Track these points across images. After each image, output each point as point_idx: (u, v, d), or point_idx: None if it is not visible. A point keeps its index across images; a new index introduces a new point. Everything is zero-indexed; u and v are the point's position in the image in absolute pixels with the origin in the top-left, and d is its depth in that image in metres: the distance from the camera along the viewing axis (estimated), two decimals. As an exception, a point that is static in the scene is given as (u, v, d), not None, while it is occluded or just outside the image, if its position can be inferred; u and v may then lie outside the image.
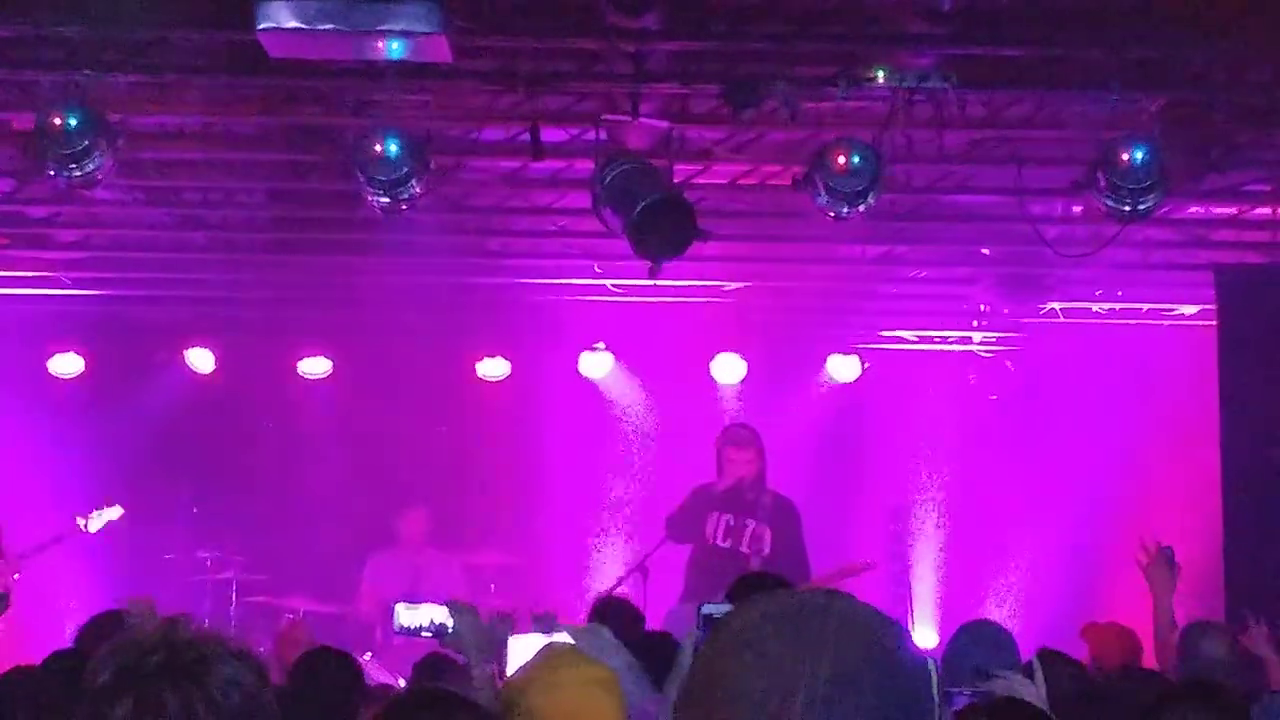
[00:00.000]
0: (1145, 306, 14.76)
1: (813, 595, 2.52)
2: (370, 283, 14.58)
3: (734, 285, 14.71)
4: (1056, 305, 14.54)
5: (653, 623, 10.92)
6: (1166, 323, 14.93)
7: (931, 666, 2.55)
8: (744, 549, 13.04)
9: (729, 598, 7.21)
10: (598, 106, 10.59)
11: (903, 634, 2.53)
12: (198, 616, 12.96)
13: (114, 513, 14.27)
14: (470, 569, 14.80)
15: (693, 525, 13.08)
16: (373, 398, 15.50)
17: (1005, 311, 14.62)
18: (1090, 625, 10.86)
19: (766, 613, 2.50)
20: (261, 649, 13.38)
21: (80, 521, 14.04)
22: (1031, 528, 15.46)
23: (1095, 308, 14.73)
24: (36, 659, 7.23)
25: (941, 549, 15.70)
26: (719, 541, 13.09)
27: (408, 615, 6.92)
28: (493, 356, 16.02)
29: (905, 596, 15.28)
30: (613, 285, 14.38)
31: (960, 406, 15.78)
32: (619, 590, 11.90)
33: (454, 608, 6.81)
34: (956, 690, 5.34)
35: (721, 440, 13.41)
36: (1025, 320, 14.95)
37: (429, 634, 6.89)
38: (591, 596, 11.69)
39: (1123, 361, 15.01)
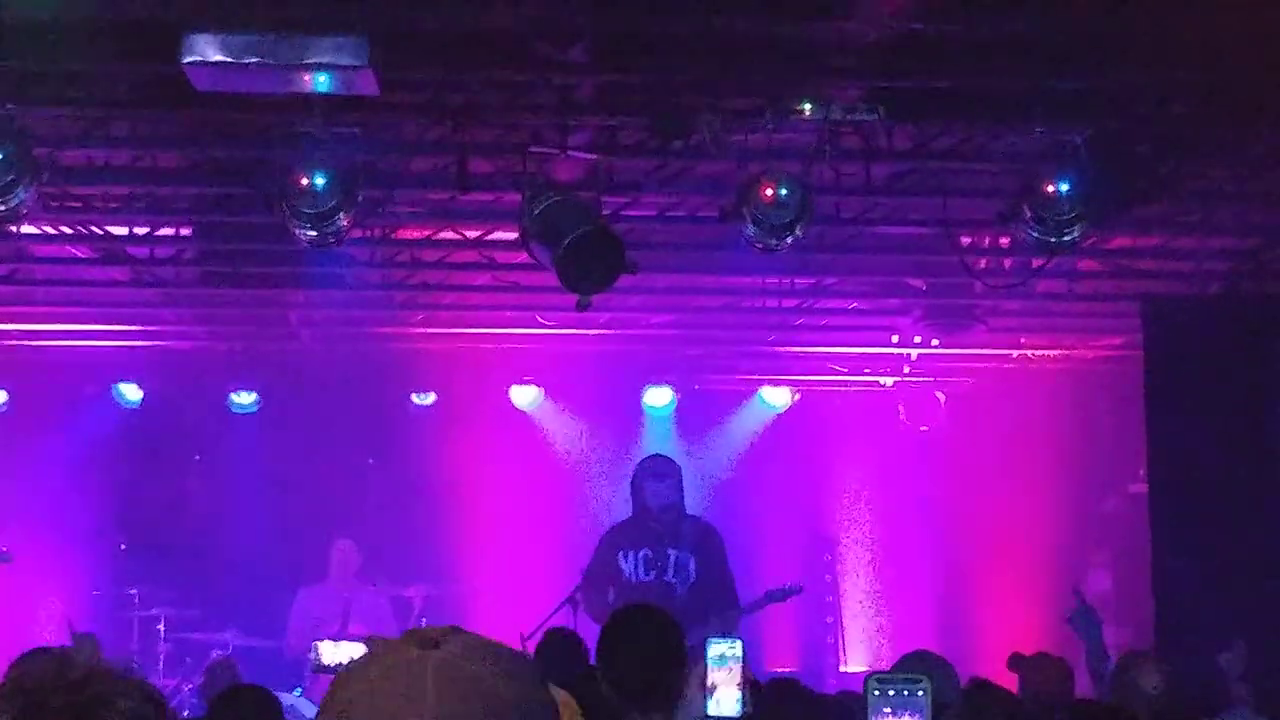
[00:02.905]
0: (1071, 339, 14.84)
1: (408, 651, 2.72)
2: (299, 316, 14.54)
3: (663, 317, 14.72)
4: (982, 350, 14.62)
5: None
6: (1091, 353, 15.02)
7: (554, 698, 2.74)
8: (669, 579, 13.02)
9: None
10: (526, 138, 10.57)
11: (517, 667, 2.70)
12: (125, 653, 12.88)
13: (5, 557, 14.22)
14: (399, 602, 14.75)
15: (607, 574, 13.07)
16: (302, 431, 15.45)
17: (935, 343, 14.67)
18: (1017, 655, 10.86)
19: (369, 678, 2.70)
20: (190, 686, 13.34)
21: None
22: (959, 558, 15.52)
23: (1023, 340, 14.81)
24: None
25: (870, 578, 15.72)
26: (641, 577, 13.07)
27: (329, 653, 6.84)
28: (423, 390, 15.99)
29: (835, 624, 15.29)
30: (541, 318, 14.37)
31: (890, 438, 15.83)
32: (554, 622, 11.85)
33: (373, 644, 6.75)
34: None
35: (639, 471, 13.42)
36: (954, 351, 14.99)
37: None
38: (522, 628, 11.63)
39: (1050, 393, 15.08)
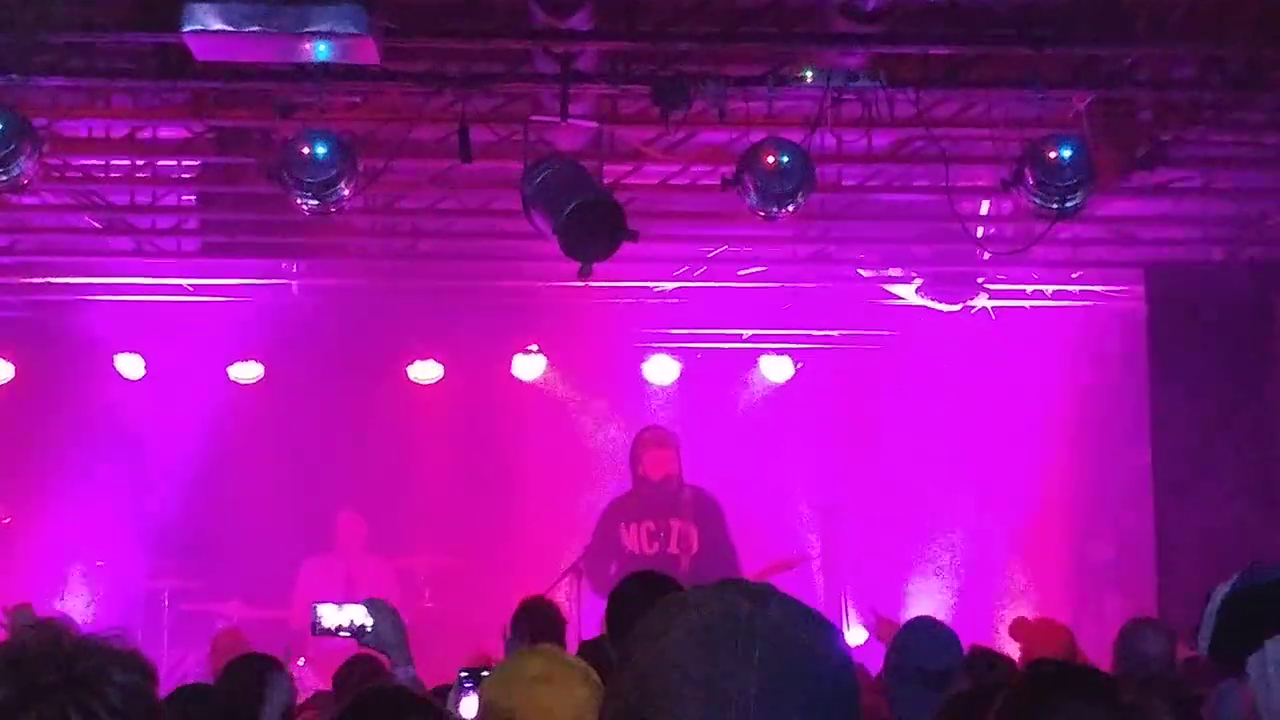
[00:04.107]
0: (1077, 289, 14.78)
1: (737, 608, 2.49)
2: (302, 286, 14.54)
3: (666, 285, 14.73)
4: (987, 303, 14.58)
5: (590, 625, 10.96)
6: (1092, 303, 14.92)
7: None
8: (673, 550, 13.06)
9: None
10: (527, 108, 10.58)
11: (833, 637, 2.52)
12: (130, 626, 12.90)
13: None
14: (404, 572, 14.80)
15: (609, 548, 13.10)
16: (306, 401, 15.45)
17: (938, 305, 14.66)
18: (1020, 621, 10.91)
19: (692, 630, 2.47)
20: (195, 656, 13.39)
21: None
22: (964, 524, 15.52)
23: (1029, 289, 14.74)
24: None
25: (874, 546, 15.72)
26: (645, 549, 13.11)
27: (328, 616, 6.84)
28: (425, 359, 15.99)
29: (839, 593, 15.32)
30: (544, 286, 14.38)
31: (893, 402, 15.79)
32: (552, 592, 11.90)
33: (372, 606, 6.76)
34: None
35: (638, 442, 13.46)
36: (959, 314, 14.97)
37: (347, 634, 6.81)
38: (525, 597, 11.66)
39: (1057, 350, 15.02)
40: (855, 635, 15.59)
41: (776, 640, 2.45)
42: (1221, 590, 4.46)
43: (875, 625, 11.22)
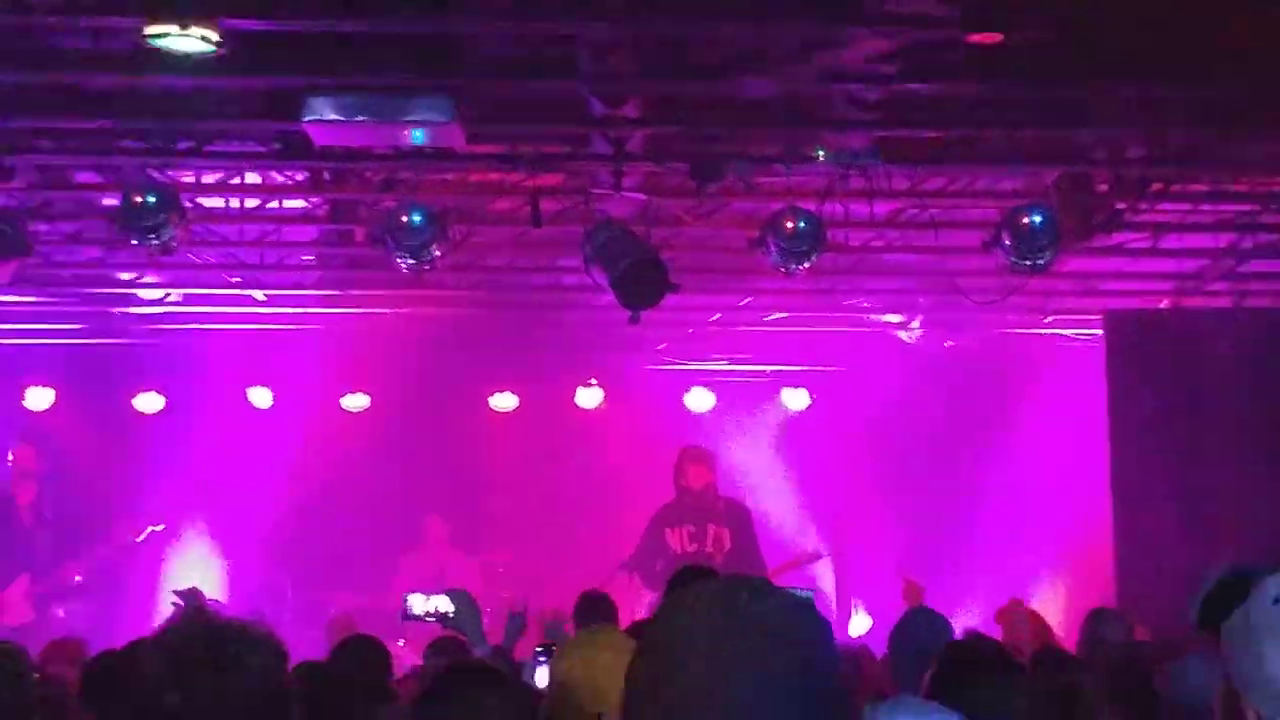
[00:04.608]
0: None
1: (738, 598, 2.51)
2: (402, 332, 14.55)
3: (702, 328, 14.73)
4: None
5: (640, 612, 10.92)
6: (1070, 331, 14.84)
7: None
8: (709, 549, 13.05)
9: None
10: (587, 182, 10.59)
11: (820, 627, 2.54)
12: (254, 611, 12.92)
13: (155, 526, 14.35)
14: (486, 566, 14.82)
15: (656, 547, 13.12)
16: (403, 426, 15.47)
17: (948, 344, 14.58)
18: (1002, 610, 10.81)
19: (700, 616, 2.50)
20: (312, 638, 13.39)
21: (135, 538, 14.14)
22: (954, 528, 15.39)
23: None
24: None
25: (881, 547, 15.62)
26: (685, 549, 13.08)
27: (417, 603, 6.81)
28: (503, 391, 16.02)
29: (847, 585, 15.26)
30: (602, 331, 14.39)
31: (894, 423, 15.64)
32: (607, 586, 11.86)
33: (453, 595, 6.76)
34: None
35: (681, 458, 13.49)
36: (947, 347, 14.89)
37: (431, 619, 6.79)
38: (587, 588, 11.64)
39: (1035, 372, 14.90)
40: (860, 622, 15.55)
41: (771, 626, 2.48)
42: (1216, 571, 4.43)
43: (904, 588, 11.13)
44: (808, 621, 2.52)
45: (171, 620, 8.13)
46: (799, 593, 7.34)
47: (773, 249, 10.24)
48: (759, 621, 2.48)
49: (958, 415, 15.19)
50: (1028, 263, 10.21)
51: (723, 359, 15.94)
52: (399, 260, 10.40)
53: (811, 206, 10.30)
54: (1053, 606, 13.47)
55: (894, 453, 15.62)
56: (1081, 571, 14.29)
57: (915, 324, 14.36)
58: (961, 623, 8.60)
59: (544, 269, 13.14)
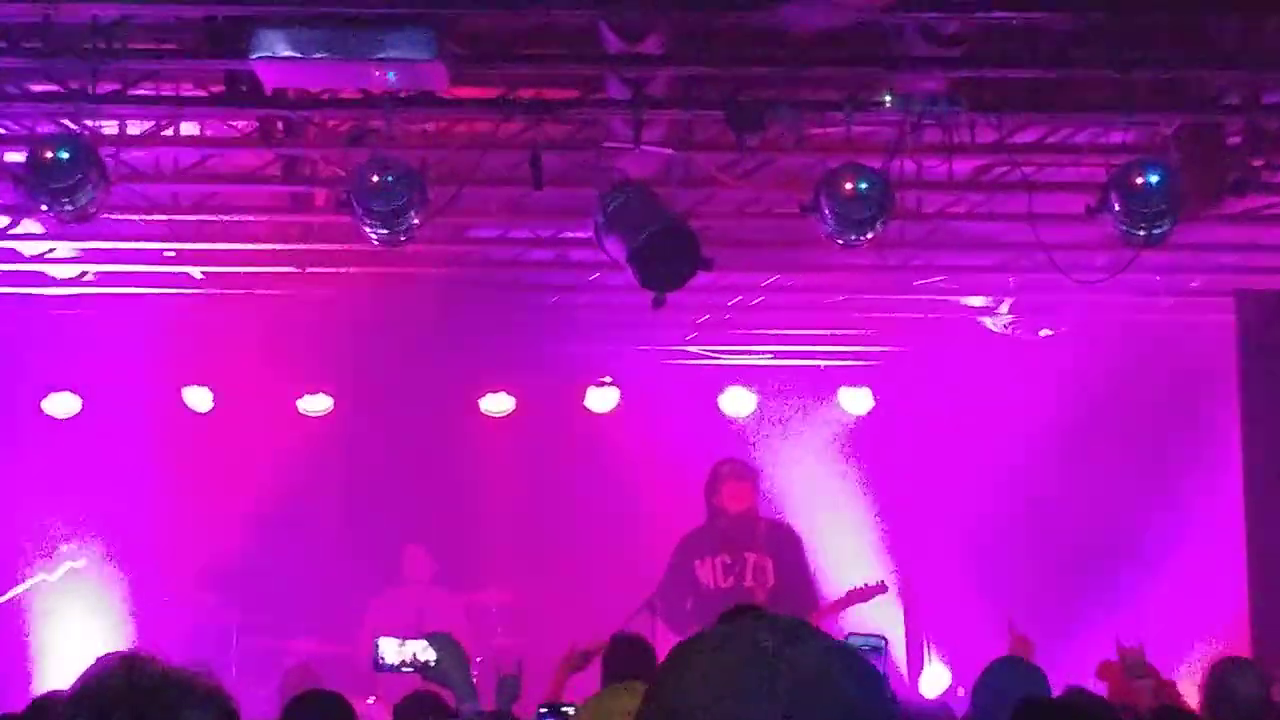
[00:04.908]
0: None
1: (761, 645, 2.42)
2: (370, 318, 14.55)
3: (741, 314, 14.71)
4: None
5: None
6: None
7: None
8: (748, 583, 13.02)
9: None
10: (599, 134, 10.58)
11: (871, 681, 2.44)
12: (197, 661, 12.92)
13: (78, 562, 14.32)
14: (474, 608, 14.81)
15: (684, 583, 13.06)
16: (374, 434, 15.49)
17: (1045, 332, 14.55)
18: (1107, 664, 10.76)
19: (714, 668, 2.42)
20: (264, 693, 13.40)
21: (42, 574, 14.12)
22: (1032, 552, 15.35)
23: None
24: (16, 705, 7.14)
25: (958, 581, 15.59)
26: (719, 583, 13.06)
27: (390, 651, 6.77)
28: (496, 391, 16.02)
29: (918, 627, 15.22)
30: (618, 317, 14.39)
31: (978, 431, 15.63)
32: (633, 625, 11.88)
33: (435, 640, 6.70)
34: None
35: (715, 475, 13.42)
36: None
37: (408, 669, 6.74)
38: (599, 634, 11.64)
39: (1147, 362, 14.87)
40: (936, 675, 15.48)
41: (803, 680, 2.39)
42: None
43: (1010, 641, 11.10)
44: (852, 673, 2.42)
45: (92, 671, 8.13)
46: (858, 640, 7.30)
47: (828, 216, 10.22)
48: (788, 672, 2.38)
49: (1055, 420, 15.14)
50: (1142, 232, 10.17)
51: (766, 352, 15.92)
52: (368, 230, 10.40)
53: (876, 164, 10.27)
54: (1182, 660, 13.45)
55: (977, 466, 15.58)
56: (1212, 609, 14.27)
57: (1004, 309, 14.30)
58: (1069, 679, 8.54)
59: (546, 242, 13.14)
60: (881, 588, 13.89)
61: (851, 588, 13.66)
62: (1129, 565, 14.83)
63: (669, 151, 10.72)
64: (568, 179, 11.09)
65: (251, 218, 12.65)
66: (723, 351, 15.81)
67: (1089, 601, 14.70)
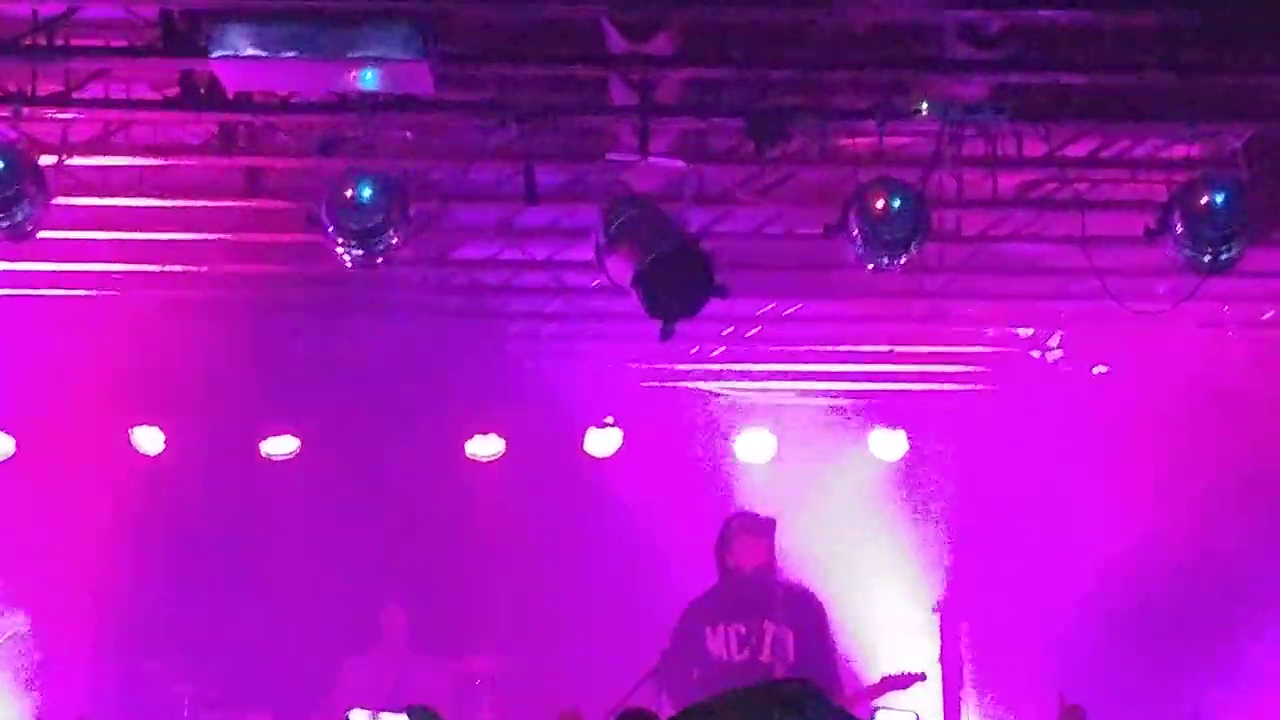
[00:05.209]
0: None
1: (770, 713, 2.49)
2: (343, 350, 14.60)
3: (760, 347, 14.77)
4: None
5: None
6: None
7: None
8: (765, 658, 12.97)
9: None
10: (602, 144, 10.66)
11: None
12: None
13: (16, 625, 14.35)
14: (460, 676, 14.82)
15: (691, 651, 13.04)
16: (347, 481, 15.52)
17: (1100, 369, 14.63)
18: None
19: None
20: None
21: None
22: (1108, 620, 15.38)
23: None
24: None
25: (1002, 654, 15.61)
26: (733, 656, 13.04)
27: None
28: (485, 433, 16.05)
29: (956, 709, 15.23)
30: (622, 350, 14.46)
31: (1025, 480, 15.68)
32: (636, 700, 11.91)
33: (415, 714, 6.77)
34: None
35: (727, 529, 13.39)
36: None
37: None
38: (601, 708, 11.71)
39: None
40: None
41: None
42: None
43: (1060, 713, 11.16)
44: None
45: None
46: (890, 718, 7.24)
47: (857, 237, 10.29)
48: None
49: (1110, 464, 15.20)
50: (1207, 257, 10.24)
51: (787, 390, 15.98)
52: (341, 251, 10.46)
53: (911, 179, 10.35)
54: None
55: (1029, 520, 15.63)
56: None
57: (1054, 342, 14.39)
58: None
59: (541, 264, 13.19)
60: (921, 676, 13.87)
61: (886, 675, 13.66)
62: (1206, 622, 14.90)
63: (680, 164, 10.77)
64: (566, 194, 11.17)
65: (210, 235, 12.69)
66: (738, 390, 15.85)
67: (1162, 662, 14.78)
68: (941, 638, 15.59)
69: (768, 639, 13.09)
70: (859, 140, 10.60)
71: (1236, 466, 15.05)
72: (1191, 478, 15.08)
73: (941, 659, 15.41)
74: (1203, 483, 15.07)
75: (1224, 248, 10.22)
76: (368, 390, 15.00)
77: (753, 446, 16.25)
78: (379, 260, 10.61)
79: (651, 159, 10.41)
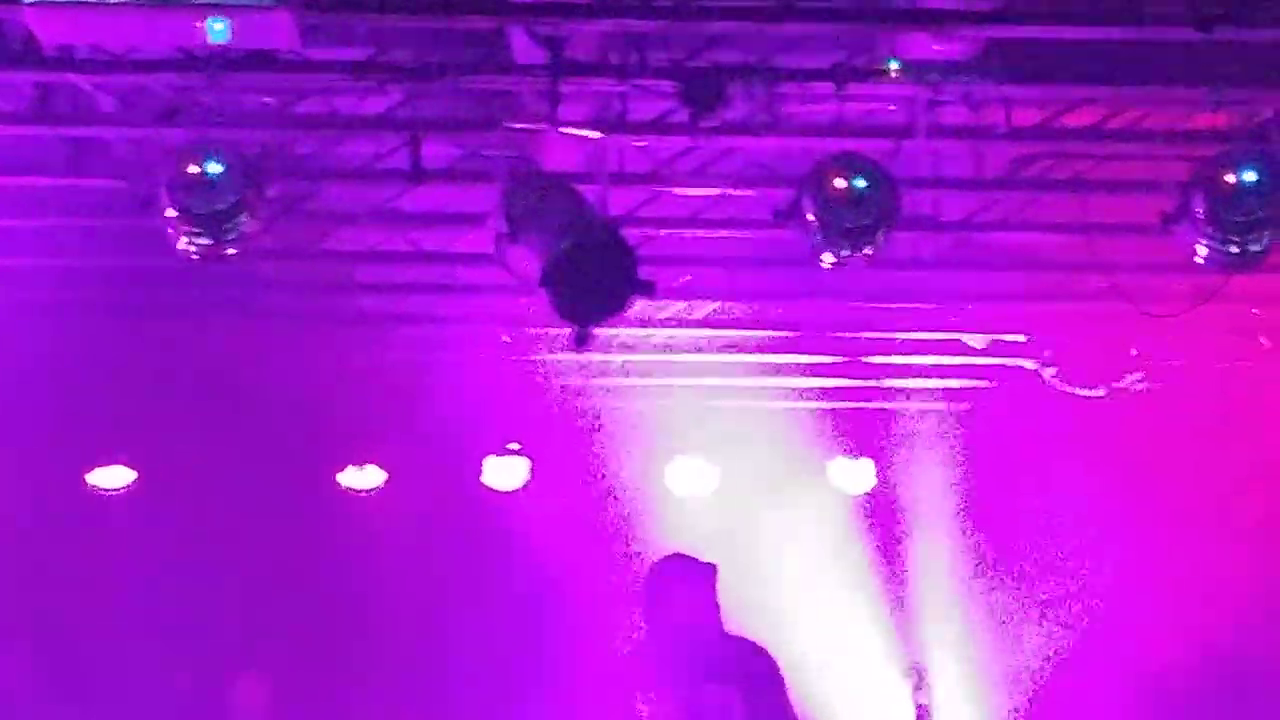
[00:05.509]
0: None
1: None
2: (188, 362, 14.56)
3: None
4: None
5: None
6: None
7: None
8: (706, 727, 13.08)
9: None
10: (502, 111, 10.65)
11: None
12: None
13: None
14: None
15: None
16: (193, 521, 15.50)
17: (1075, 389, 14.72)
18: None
19: None
20: None
21: None
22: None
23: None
24: None
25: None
26: (670, 728, 13.12)
27: None
28: (362, 464, 16.05)
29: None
30: (527, 362, 14.47)
31: (1010, 519, 15.81)
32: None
33: None
34: None
35: (661, 576, 13.45)
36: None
37: None
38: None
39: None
40: None
41: None
42: None
43: None
44: None
45: None
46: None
47: (813, 224, 10.31)
48: None
49: (1122, 497, 15.33)
50: (1233, 249, 10.28)
51: (729, 409, 16.01)
52: (184, 239, 10.43)
53: (878, 154, 10.36)
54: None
55: (1022, 563, 15.74)
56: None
57: (1047, 353, 14.45)
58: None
59: (428, 257, 13.18)
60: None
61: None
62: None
63: (596, 136, 10.79)
64: (459, 173, 11.14)
65: (24, 222, 12.65)
66: (668, 410, 15.86)
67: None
68: (916, 703, 15.71)
69: (711, 706, 13.18)
70: (814, 108, 10.59)
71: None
72: (1219, 510, 15.22)
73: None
74: (1241, 518, 15.24)
75: (1253, 237, 10.26)
76: (218, 410, 14.96)
77: (689, 476, 16.28)
78: (230, 251, 10.58)
79: (562, 130, 10.42)
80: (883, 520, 16.43)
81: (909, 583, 16.22)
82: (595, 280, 10.35)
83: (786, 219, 10.45)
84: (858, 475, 16.40)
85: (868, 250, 10.46)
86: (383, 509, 16.07)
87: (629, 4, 9.78)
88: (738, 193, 11.90)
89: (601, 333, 10.68)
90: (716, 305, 13.86)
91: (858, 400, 16.02)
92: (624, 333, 13.09)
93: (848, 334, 14.42)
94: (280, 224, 11.06)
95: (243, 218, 10.34)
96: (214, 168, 10.19)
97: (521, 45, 10.03)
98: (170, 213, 10.27)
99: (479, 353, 14.64)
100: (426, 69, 10.24)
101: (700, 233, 12.50)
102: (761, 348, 14.79)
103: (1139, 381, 14.65)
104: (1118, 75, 10.53)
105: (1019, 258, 13.11)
